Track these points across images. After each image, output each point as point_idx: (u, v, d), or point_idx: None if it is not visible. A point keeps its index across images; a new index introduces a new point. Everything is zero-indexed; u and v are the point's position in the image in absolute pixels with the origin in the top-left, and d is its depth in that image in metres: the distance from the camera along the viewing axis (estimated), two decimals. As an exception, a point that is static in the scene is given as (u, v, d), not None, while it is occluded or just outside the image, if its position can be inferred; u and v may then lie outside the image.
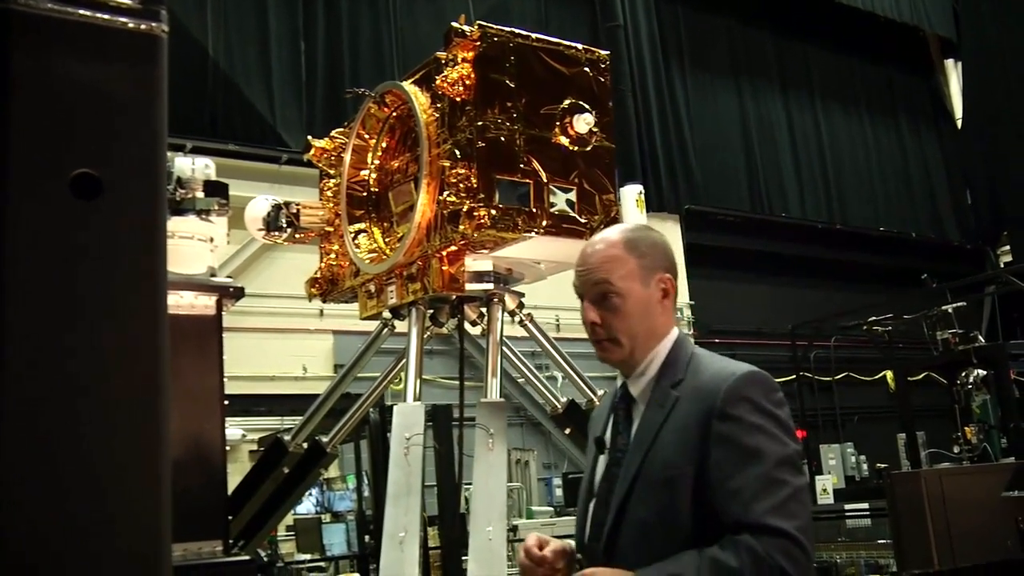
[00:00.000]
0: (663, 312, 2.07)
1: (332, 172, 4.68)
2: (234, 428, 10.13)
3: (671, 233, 15.42)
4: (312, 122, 12.17)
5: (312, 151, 4.75)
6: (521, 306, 4.25)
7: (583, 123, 4.01)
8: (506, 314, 4.13)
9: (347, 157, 4.51)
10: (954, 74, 20.60)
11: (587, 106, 4.07)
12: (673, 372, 2.00)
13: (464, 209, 3.60)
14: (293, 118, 12.16)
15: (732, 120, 17.34)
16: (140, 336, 2.85)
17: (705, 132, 16.69)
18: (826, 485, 10.67)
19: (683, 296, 15.32)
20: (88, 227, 2.81)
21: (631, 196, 13.61)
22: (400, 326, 4.37)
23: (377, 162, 4.51)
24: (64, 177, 2.87)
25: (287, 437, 4.91)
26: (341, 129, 4.75)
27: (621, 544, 1.92)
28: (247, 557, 4.56)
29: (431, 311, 4.13)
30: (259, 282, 10.92)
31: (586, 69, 4.18)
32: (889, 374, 12.23)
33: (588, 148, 4.03)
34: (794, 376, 13.85)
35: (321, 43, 12.71)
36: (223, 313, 4.81)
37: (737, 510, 1.79)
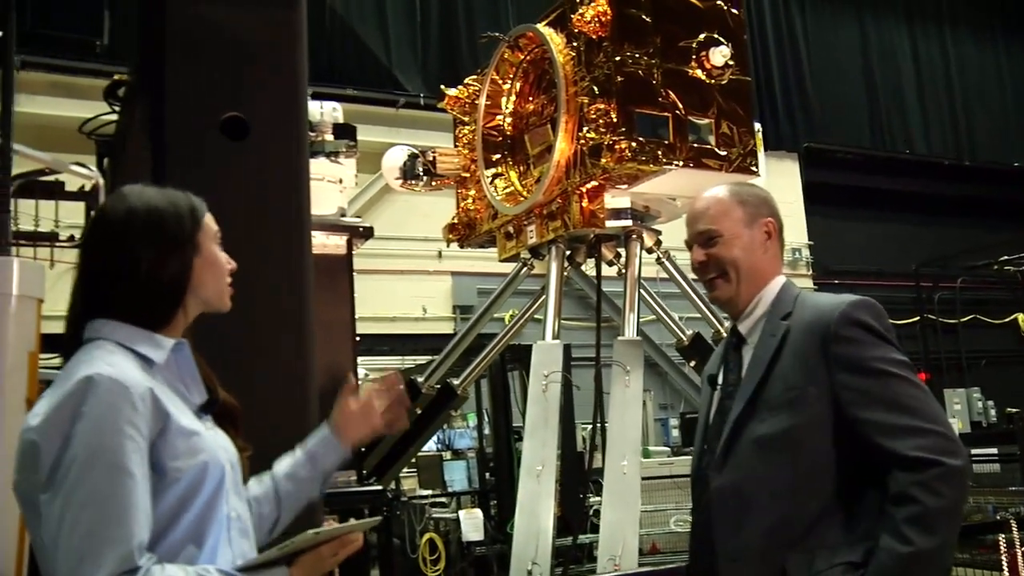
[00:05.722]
0: (766, 252, 2.19)
1: (466, 120, 4.74)
2: (358, 367, 10.44)
3: (789, 172, 15.04)
4: (427, 65, 12.25)
5: (446, 100, 4.81)
6: (659, 243, 4.27)
7: (719, 56, 3.98)
8: (643, 251, 4.15)
9: (481, 103, 4.57)
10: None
11: (722, 39, 4.03)
12: (782, 308, 2.12)
13: (606, 143, 3.63)
14: (408, 61, 12.25)
15: (853, 52, 16.66)
16: (287, 270, 2.96)
17: (825, 66, 16.10)
18: (951, 430, 10.38)
19: (801, 236, 14.99)
20: (238, 166, 2.93)
21: (748, 134, 13.30)
22: (539, 267, 4.44)
23: (511, 107, 4.56)
24: (215, 120, 2.99)
25: (420, 379, 5.03)
26: (474, 76, 4.82)
27: (735, 458, 2.04)
28: (380, 487, 4.76)
29: (568, 252, 4.18)
30: (379, 224, 10.99)
31: (719, 3, 4.14)
32: (1021, 316, 11.74)
33: (724, 81, 4.02)
34: (917, 318, 13.47)
35: (435, -16, 12.72)
36: (353, 252, 4.95)
37: (884, 444, 1.89)
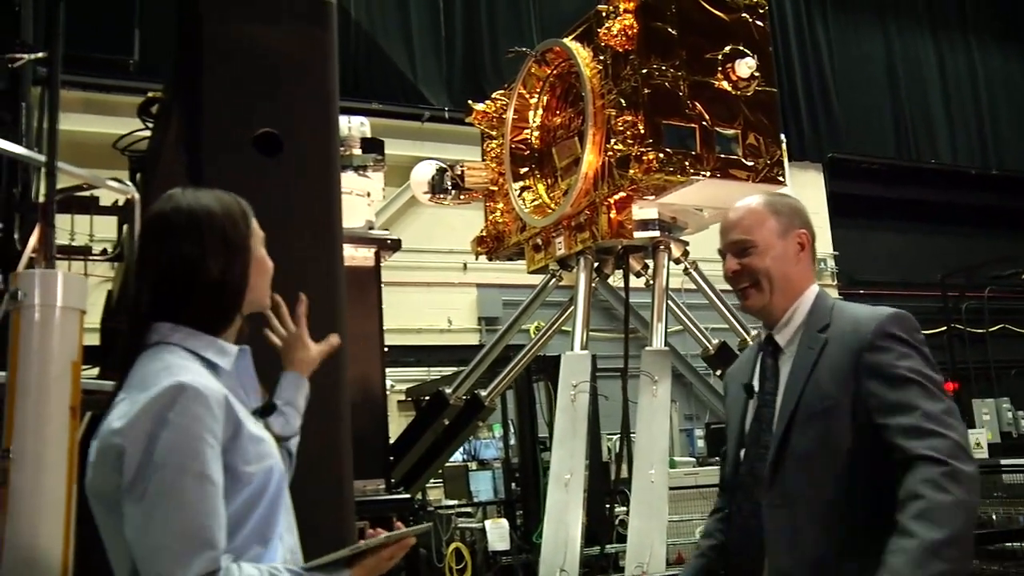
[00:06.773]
0: (799, 263, 2.22)
1: (494, 134, 4.81)
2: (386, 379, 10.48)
3: (814, 182, 14.99)
4: (452, 79, 12.34)
5: (474, 114, 4.87)
6: (686, 254, 4.31)
7: (745, 67, 4.03)
8: (671, 262, 4.19)
9: (509, 117, 4.64)
10: None
11: (747, 51, 4.07)
12: (819, 319, 2.14)
13: (633, 154, 3.68)
14: (433, 76, 12.34)
15: (877, 62, 16.59)
16: (320, 281, 3.03)
17: (849, 76, 16.04)
18: (979, 440, 10.29)
19: (826, 246, 14.93)
20: (272, 181, 3.00)
21: (772, 145, 13.28)
22: (567, 278, 4.49)
23: (539, 120, 4.63)
24: (249, 136, 3.06)
25: (448, 390, 5.06)
26: (501, 91, 4.88)
27: (783, 474, 2.04)
28: (408, 496, 4.79)
29: (596, 263, 4.23)
30: (405, 237, 11.11)
31: (744, 15, 4.19)
32: (1051, 326, 11.64)
33: (750, 92, 4.06)
34: (944, 328, 13.35)
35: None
36: (380, 265, 4.99)
37: (903, 444, 1.91)
